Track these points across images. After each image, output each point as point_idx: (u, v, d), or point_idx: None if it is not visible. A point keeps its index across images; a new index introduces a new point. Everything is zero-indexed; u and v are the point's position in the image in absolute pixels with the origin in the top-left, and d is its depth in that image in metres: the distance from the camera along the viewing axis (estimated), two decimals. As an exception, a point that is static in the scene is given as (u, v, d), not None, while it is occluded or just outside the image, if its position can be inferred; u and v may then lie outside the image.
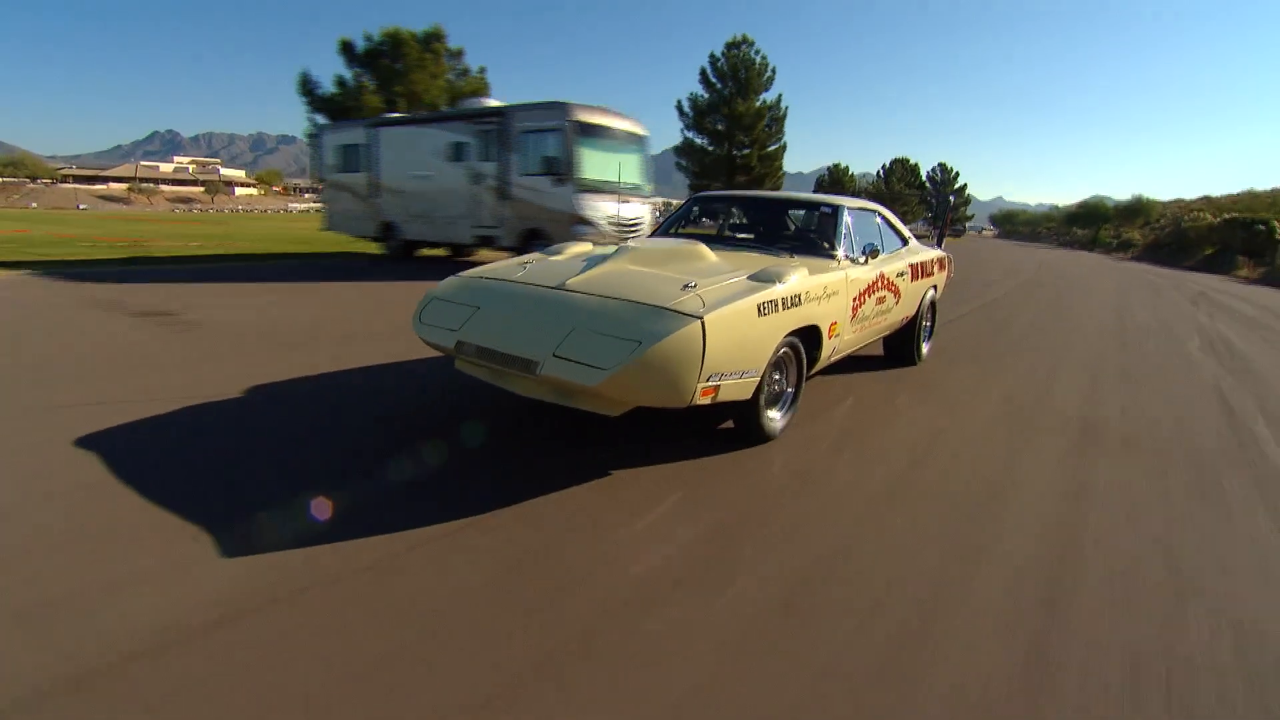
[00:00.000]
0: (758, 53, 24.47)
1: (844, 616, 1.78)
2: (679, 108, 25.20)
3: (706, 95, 24.73)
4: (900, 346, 5.08)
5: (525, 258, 3.58)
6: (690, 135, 25.28)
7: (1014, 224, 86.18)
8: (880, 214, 4.79)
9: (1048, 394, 4.34)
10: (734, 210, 5.07)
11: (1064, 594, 1.94)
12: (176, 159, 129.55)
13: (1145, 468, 3.02)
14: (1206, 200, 47.03)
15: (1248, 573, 2.15)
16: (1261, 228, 26.36)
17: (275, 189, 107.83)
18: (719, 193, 5.41)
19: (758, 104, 24.29)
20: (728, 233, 4.71)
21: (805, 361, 3.36)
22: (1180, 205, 49.46)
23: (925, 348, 5.33)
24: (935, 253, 5.34)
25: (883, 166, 49.66)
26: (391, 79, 16.04)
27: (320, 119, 16.25)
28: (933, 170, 53.11)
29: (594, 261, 3.29)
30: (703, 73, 24.89)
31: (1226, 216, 30.63)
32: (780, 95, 24.77)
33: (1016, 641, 1.71)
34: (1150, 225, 42.45)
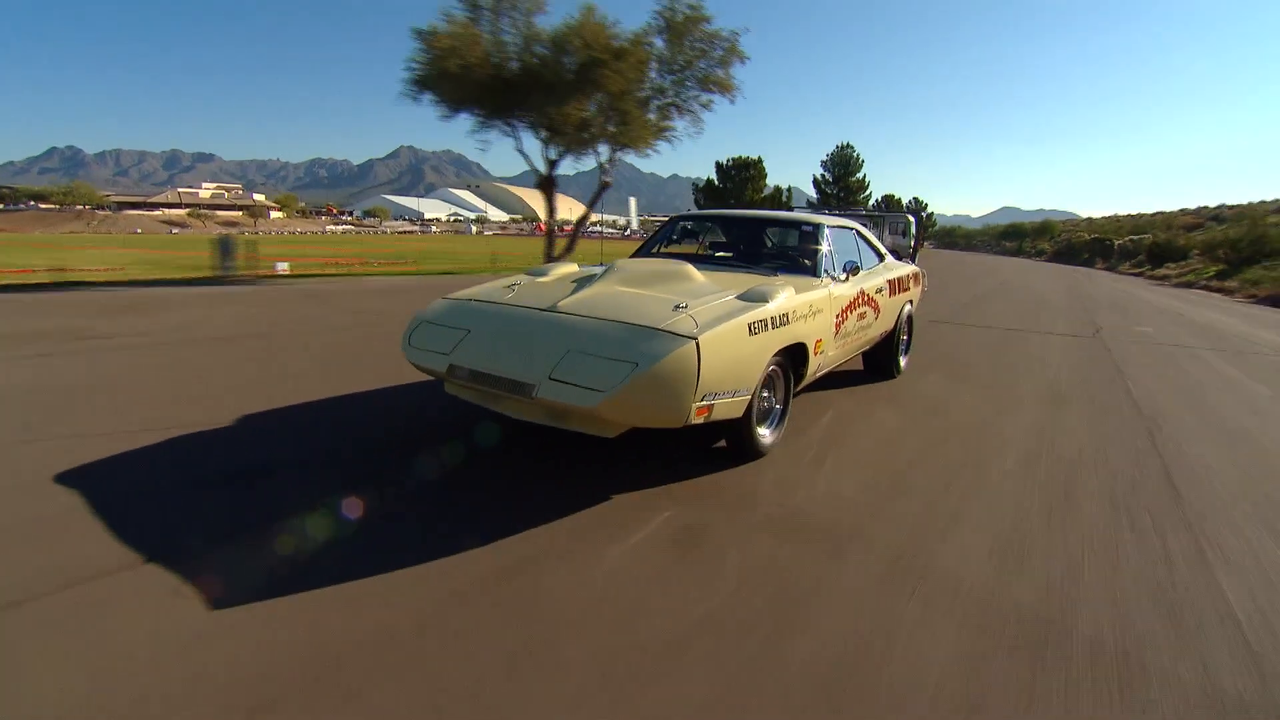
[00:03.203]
0: (854, 150, 46.18)
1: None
2: (814, 181, 46.64)
3: (829, 174, 46.32)
4: (879, 360, 5.27)
5: (512, 279, 3.72)
6: (813, 194, 46.87)
7: (953, 238, 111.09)
8: (857, 231, 4.92)
9: (1024, 276, 25.73)
10: (716, 230, 5.17)
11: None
12: (205, 185, 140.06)
13: (1046, 288, 24.33)
14: (1088, 222, 71.77)
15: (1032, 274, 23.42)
16: (1109, 242, 49.44)
17: (297, 211, 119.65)
18: (702, 212, 5.55)
19: (857, 178, 46.06)
20: (710, 252, 4.82)
21: (792, 378, 3.50)
22: (1070, 224, 74.55)
23: (903, 361, 5.54)
24: (910, 268, 5.59)
25: (880, 199, 72.41)
26: (744, 184, 36.95)
27: (702, 199, 36.93)
28: (910, 201, 76.33)
29: (583, 283, 3.39)
30: (824, 162, 46.38)
31: (1093, 236, 54.11)
32: (866, 173, 46.50)
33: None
34: (1053, 239, 66.22)
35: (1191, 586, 2.40)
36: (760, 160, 37.30)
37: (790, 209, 35.09)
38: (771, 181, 40.49)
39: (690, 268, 3.63)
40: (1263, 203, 45.28)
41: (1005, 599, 2.23)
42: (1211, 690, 1.84)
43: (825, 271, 4.04)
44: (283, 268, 14.89)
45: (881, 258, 5.15)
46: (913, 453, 3.78)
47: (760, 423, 3.31)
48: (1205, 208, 51.70)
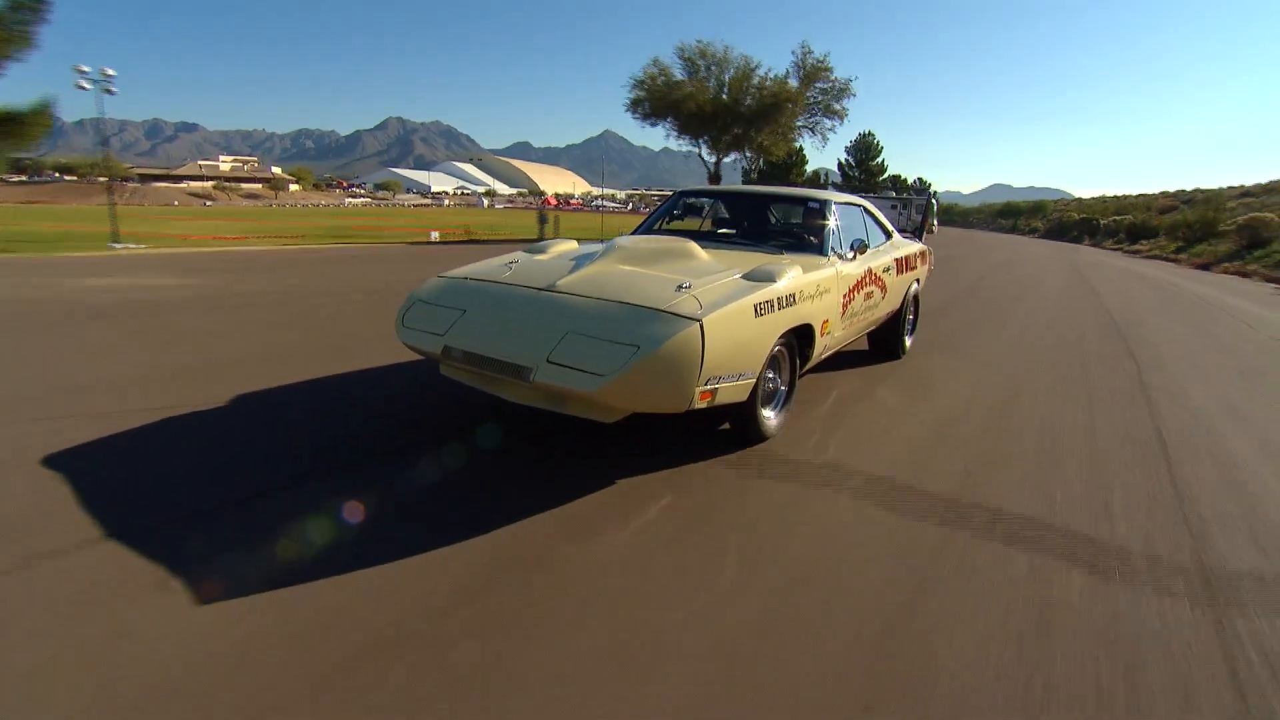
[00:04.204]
0: (875, 138, 52.39)
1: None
2: (839, 165, 52.89)
3: (852, 159, 52.59)
4: (885, 340, 5.21)
5: (510, 257, 3.60)
6: (838, 177, 53.16)
7: (950, 215, 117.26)
8: (864, 208, 4.83)
9: (1024, 250, 32.42)
10: (720, 206, 5.01)
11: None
12: (223, 157, 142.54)
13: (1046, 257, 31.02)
14: (1078, 202, 78.21)
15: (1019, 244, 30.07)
16: (1096, 221, 56.03)
17: (313, 185, 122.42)
18: (705, 188, 5.30)
19: (877, 163, 52.36)
20: (714, 229, 4.70)
21: (798, 360, 3.44)
22: (1062, 203, 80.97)
23: (908, 341, 5.50)
24: (917, 246, 5.59)
25: (889, 179, 78.62)
26: (791, 167, 43.18)
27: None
28: (915, 180, 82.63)
29: (582, 260, 3.30)
30: (847, 148, 52.64)
31: (1081, 215, 60.81)
32: (884, 157, 52.72)
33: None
34: (1045, 218, 72.69)
35: (1094, 294, 9.56)
36: (802, 148, 43.56)
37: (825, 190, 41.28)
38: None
39: (694, 245, 3.59)
40: (1229, 188, 51.70)
41: (1054, 285, 9.12)
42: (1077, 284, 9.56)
43: (832, 250, 3.98)
44: (435, 235, 17.80)
45: (889, 235, 5.13)
46: (1008, 283, 10.49)
47: (765, 405, 3.27)
48: (1182, 191, 57.84)
